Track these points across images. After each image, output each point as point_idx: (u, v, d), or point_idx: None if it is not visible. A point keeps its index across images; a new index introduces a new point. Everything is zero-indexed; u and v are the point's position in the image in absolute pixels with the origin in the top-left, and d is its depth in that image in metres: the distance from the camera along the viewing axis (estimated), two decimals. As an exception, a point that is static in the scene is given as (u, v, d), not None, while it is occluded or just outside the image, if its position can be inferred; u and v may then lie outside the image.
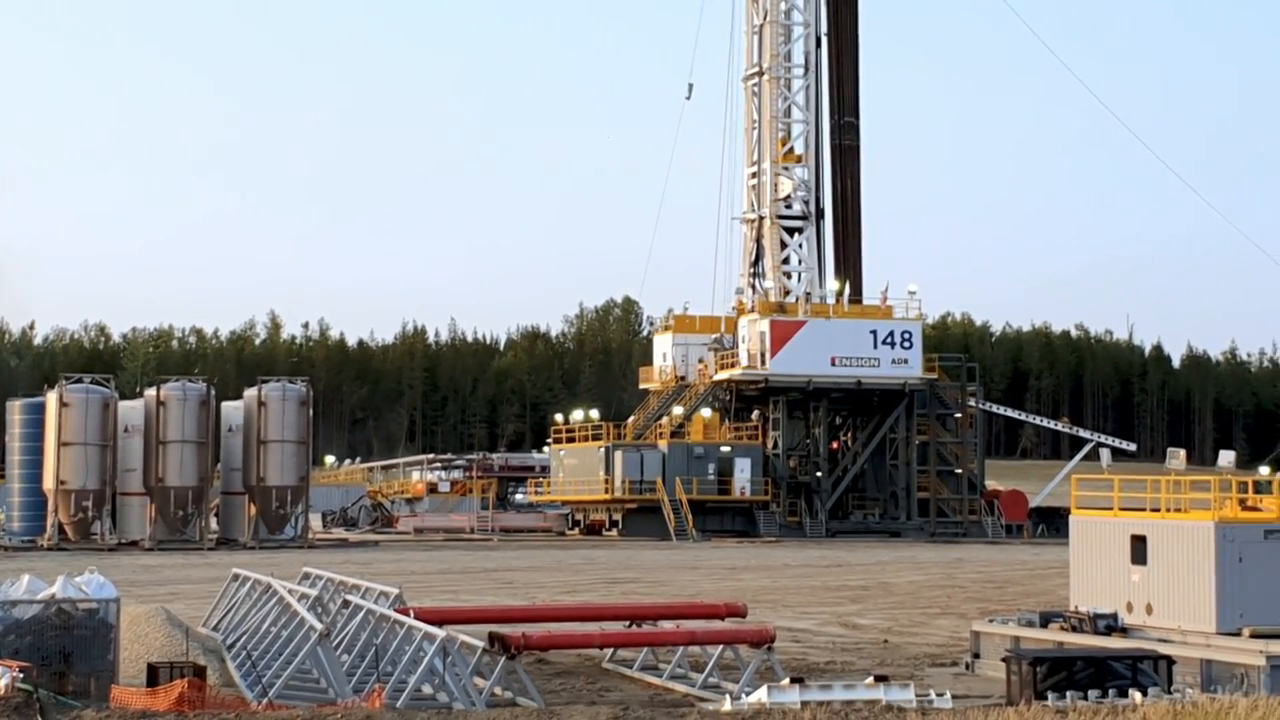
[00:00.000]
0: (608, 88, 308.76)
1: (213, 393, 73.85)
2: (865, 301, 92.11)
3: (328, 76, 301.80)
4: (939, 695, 19.80)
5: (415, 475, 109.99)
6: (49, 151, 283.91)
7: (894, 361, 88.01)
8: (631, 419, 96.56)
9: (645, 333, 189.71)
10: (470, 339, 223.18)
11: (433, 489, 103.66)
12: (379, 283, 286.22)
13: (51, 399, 72.00)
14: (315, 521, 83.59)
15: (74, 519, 70.72)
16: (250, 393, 75.30)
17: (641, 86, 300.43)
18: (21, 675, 16.64)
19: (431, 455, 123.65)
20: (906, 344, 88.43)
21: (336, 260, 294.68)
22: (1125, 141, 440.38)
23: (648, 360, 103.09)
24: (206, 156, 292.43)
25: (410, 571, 50.72)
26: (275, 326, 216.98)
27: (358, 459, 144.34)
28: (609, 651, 25.72)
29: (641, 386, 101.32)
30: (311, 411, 76.07)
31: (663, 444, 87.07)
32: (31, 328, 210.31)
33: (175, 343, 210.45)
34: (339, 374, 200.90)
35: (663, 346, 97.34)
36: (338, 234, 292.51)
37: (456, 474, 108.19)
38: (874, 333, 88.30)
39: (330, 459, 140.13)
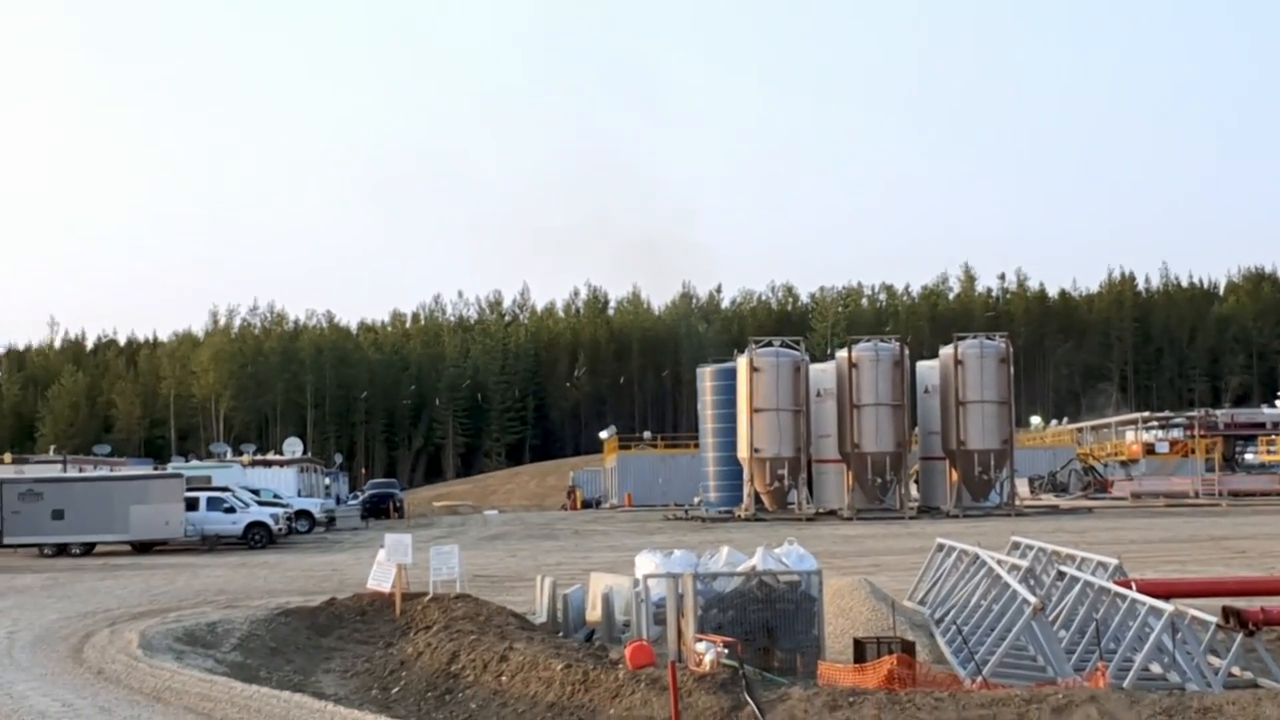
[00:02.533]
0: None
1: (906, 352, 74.82)
2: None
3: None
4: None
5: (1129, 435, 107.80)
6: (724, 100, 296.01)
7: None
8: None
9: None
10: (1185, 284, 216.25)
11: (1149, 450, 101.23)
12: (1080, 227, 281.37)
13: (742, 364, 74.79)
14: (1022, 487, 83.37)
15: (770, 488, 73.30)
16: (945, 351, 75.84)
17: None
18: (726, 651, 17.26)
19: (1146, 413, 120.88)
20: None
21: (1032, 205, 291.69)
22: None
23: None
24: (898, 107, 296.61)
25: (1128, 540, 49.72)
26: (969, 279, 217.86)
27: (1064, 419, 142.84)
28: (1368, 631, 24.20)
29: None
30: (1012, 369, 75.90)
31: None
32: (718, 291, 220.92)
33: (864, 301, 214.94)
34: (1040, 328, 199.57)
35: None
36: (1033, 176, 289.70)
37: (1175, 433, 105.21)
38: None
39: (1035, 420, 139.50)
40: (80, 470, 77.29)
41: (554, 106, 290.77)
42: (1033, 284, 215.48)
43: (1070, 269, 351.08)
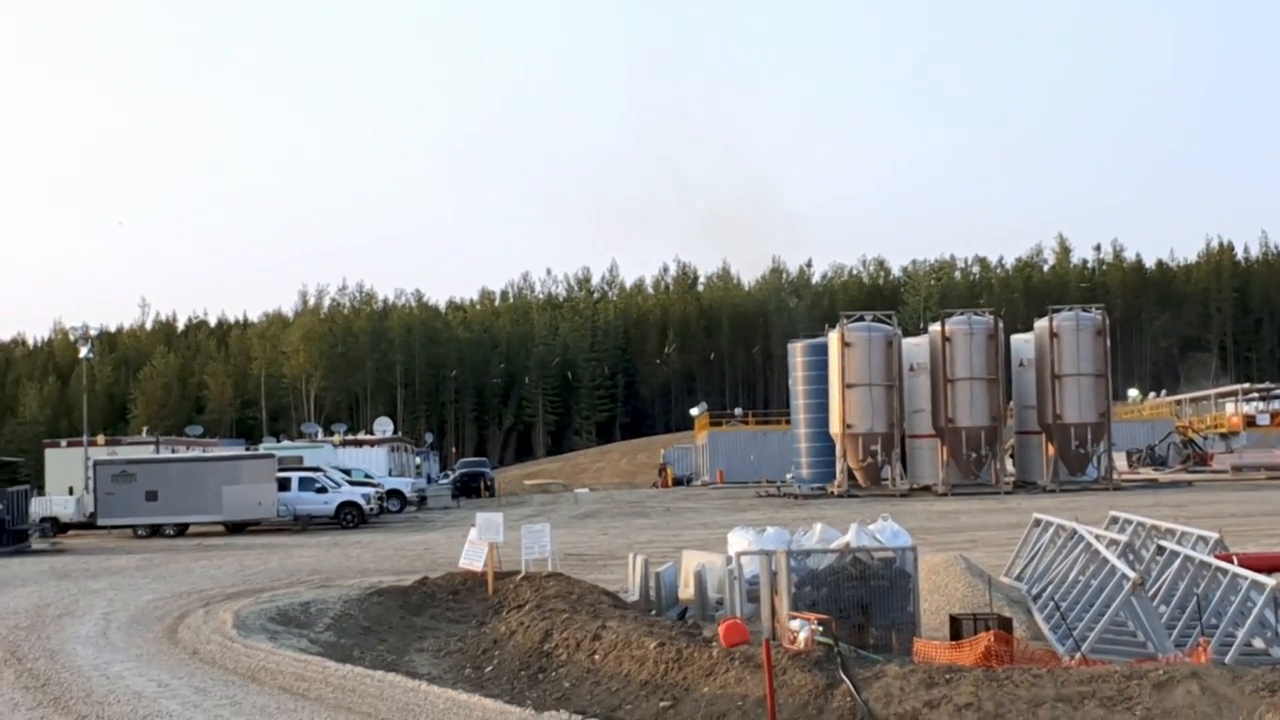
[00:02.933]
0: None
1: (1000, 325, 74.26)
2: None
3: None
4: None
5: (1229, 407, 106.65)
6: (812, 71, 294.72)
7: None
8: None
9: None
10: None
11: (1250, 422, 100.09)
12: (1178, 197, 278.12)
13: (834, 339, 74.51)
14: (1119, 461, 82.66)
15: (863, 464, 73.04)
16: (1041, 324, 75.25)
17: None
18: (821, 628, 17.17)
19: (1246, 385, 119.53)
20: None
21: (1128, 175, 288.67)
22: None
23: None
24: (991, 75, 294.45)
25: (1229, 514, 49.20)
26: (1064, 250, 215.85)
27: (1163, 392, 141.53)
28: None
29: None
30: (1109, 341, 75.22)
31: None
32: (808, 265, 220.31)
33: (957, 274, 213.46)
34: (1137, 299, 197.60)
35: None
36: (1128, 145, 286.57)
37: (1276, 405, 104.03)
38: None
39: (1133, 392, 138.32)
40: (173, 451, 78.19)
41: (639, 79, 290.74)
42: (1129, 255, 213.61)
43: (1167, 239, 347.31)
